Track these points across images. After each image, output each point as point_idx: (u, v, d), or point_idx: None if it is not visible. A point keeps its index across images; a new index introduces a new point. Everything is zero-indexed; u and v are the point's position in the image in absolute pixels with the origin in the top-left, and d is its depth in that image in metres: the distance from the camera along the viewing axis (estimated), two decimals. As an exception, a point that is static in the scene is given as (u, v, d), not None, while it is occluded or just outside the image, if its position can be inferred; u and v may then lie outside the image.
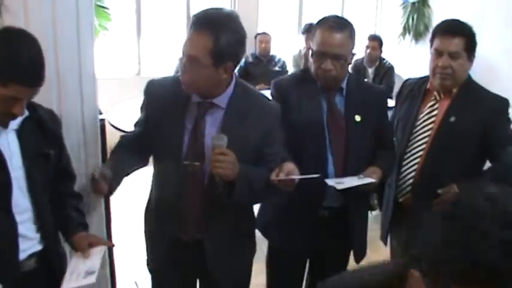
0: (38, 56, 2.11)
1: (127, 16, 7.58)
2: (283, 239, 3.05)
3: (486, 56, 6.26)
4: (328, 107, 2.87)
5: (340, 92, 2.89)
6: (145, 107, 2.63)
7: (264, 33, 7.88)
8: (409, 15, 7.85)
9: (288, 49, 8.18)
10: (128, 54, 7.73)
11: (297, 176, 2.51)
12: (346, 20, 2.86)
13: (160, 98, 2.54)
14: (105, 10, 6.53)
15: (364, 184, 2.74)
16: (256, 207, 3.17)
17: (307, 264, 3.25)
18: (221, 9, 2.40)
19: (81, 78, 2.70)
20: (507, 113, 3.03)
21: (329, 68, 2.75)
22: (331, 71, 2.75)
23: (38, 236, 2.37)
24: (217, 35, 2.29)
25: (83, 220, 2.55)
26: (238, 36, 2.36)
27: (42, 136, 2.35)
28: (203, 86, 2.42)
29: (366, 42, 7.49)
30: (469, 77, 3.08)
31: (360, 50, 7.81)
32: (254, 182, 2.47)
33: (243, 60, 7.69)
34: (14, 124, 2.26)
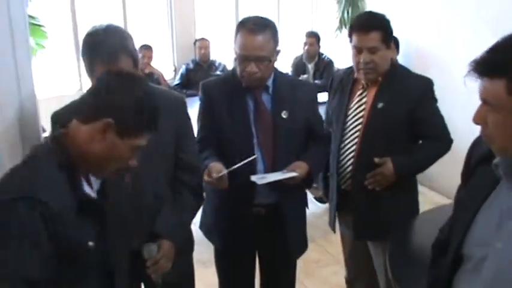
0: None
1: (64, 32, 7.47)
2: (224, 240, 3.13)
3: (420, 45, 6.41)
4: (255, 105, 2.93)
5: (266, 90, 2.95)
6: None
7: (202, 39, 7.91)
8: (344, 9, 7.93)
9: (228, 52, 8.20)
10: (68, 71, 7.62)
11: (232, 168, 2.70)
12: (266, 20, 2.89)
13: None
14: (41, 28, 6.42)
15: (287, 178, 2.80)
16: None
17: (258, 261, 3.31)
18: (105, 28, 2.42)
19: (21, 99, 2.65)
20: (432, 92, 3.15)
21: (254, 70, 2.80)
22: (256, 73, 2.81)
23: None
24: (129, 52, 2.39)
25: None
26: (128, 35, 2.48)
27: None
28: None
29: (304, 39, 7.58)
30: (392, 64, 3.18)
31: (298, 47, 7.91)
32: (185, 222, 2.71)
33: (183, 67, 7.72)
34: None
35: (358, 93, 3.17)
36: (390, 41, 3.11)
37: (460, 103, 5.39)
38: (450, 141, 3.14)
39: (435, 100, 3.16)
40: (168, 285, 2.70)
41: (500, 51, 1.50)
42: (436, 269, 1.95)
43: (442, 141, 3.12)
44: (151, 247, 2.47)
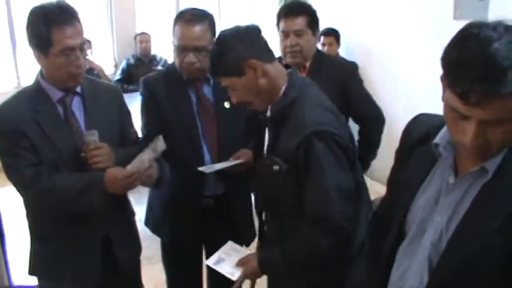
0: None
1: (-1, 28, 7.30)
2: (173, 234, 3.14)
3: (362, 41, 6.51)
4: (197, 97, 2.97)
5: (207, 81, 2.99)
6: (11, 138, 2.49)
7: (143, 33, 7.85)
8: (284, 3, 7.95)
9: (170, 47, 8.14)
10: (5, 67, 7.44)
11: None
12: (203, 11, 2.93)
13: (19, 119, 2.49)
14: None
15: (233, 165, 2.86)
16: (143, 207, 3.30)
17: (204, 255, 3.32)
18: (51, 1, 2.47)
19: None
20: (358, 74, 3.44)
21: (192, 60, 2.84)
22: (194, 63, 2.84)
23: None
24: (79, 17, 2.51)
25: None
26: None
27: None
28: None
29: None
30: (318, 50, 3.40)
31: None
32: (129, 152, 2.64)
33: (124, 62, 7.64)
34: None
35: None
36: (316, 27, 3.29)
37: (400, 98, 5.51)
38: (381, 115, 3.43)
39: (361, 81, 3.44)
40: (119, 277, 2.78)
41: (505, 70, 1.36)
42: (372, 257, 2.00)
43: (374, 119, 3.41)
44: (94, 132, 2.50)
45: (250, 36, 2.34)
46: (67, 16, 2.41)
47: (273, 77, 2.30)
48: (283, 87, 2.32)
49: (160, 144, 2.56)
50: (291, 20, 3.24)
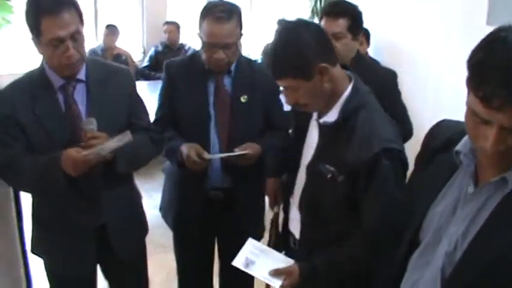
0: None
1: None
2: (177, 223, 3.18)
3: (391, 39, 6.45)
4: (215, 88, 2.94)
5: (228, 73, 2.97)
6: (2, 122, 2.49)
7: (169, 22, 7.87)
8: (328, 1, 7.93)
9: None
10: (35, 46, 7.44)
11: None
12: (231, 5, 2.87)
13: (16, 103, 2.49)
14: (7, 2, 6.27)
15: (238, 155, 2.82)
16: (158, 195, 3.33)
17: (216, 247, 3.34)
18: None
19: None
20: (397, 85, 3.32)
21: (222, 57, 2.82)
22: (223, 59, 2.82)
23: None
24: (74, 3, 2.42)
25: None
26: None
27: None
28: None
29: (276, 27, 7.54)
30: (358, 54, 3.28)
31: (270, 35, 7.85)
32: (133, 149, 2.55)
33: (152, 50, 7.67)
34: None
35: None
36: (358, 32, 3.17)
37: (429, 98, 5.44)
38: (411, 133, 3.33)
39: (399, 93, 3.32)
40: (120, 264, 2.78)
41: None
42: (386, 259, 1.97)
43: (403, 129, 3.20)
44: (92, 120, 2.46)
45: (322, 36, 2.17)
46: (59, 4, 2.33)
47: (336, 81, 2.19)
48: (346, 92, 2.23)
49: (127, 136, 2.44)
50: (331, 20, 3.11)
